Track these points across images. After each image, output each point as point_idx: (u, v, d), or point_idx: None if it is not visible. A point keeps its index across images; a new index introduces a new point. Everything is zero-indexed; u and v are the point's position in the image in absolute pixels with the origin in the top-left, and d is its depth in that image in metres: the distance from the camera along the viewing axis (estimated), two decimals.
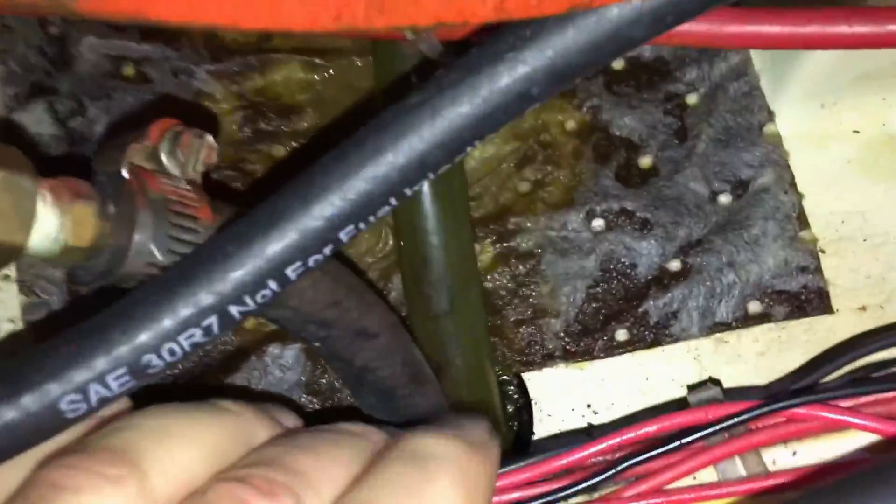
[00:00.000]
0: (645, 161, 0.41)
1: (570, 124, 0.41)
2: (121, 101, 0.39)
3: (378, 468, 0.24)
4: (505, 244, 0.40)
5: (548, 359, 0.39)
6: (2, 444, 0.21)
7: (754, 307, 0.39)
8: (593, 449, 0.31)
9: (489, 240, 0.40)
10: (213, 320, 0.22)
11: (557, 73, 0.21)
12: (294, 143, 0.41)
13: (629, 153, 0.41)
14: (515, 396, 0.40)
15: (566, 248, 0.40)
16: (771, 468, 0.34)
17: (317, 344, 0.30)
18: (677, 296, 0.39)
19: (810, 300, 0.39)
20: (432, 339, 0.36)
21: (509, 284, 0.40)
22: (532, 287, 0.40)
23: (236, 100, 0.41)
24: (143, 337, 0.21)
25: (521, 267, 0.40)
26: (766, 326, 0.39)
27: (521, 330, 0.39)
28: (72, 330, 0.22)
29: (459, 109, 0.21)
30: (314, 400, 0.38)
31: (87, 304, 0.37)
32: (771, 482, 0.31)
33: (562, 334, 0.39)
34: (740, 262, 0.39)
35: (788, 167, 0.40)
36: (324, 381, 0.38)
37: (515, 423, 0.40)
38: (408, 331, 0.35)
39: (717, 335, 0.39)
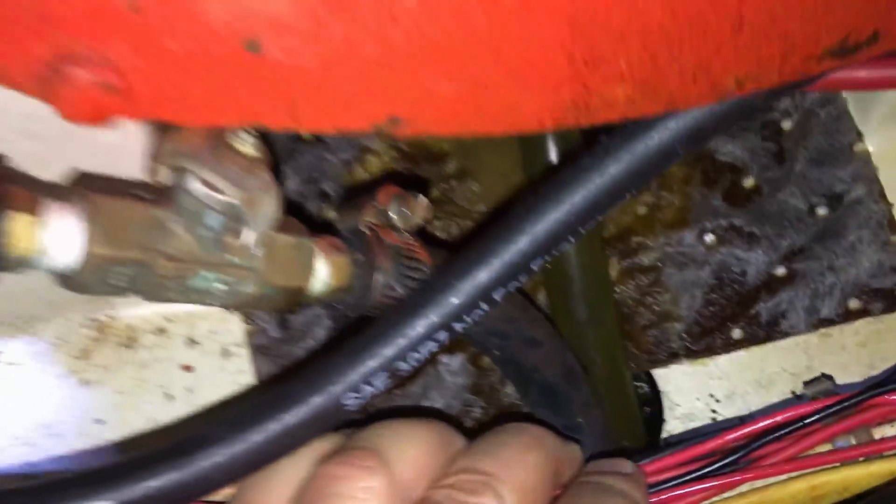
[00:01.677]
0: (748, 182, 0.47)
1: None
2: (303, 160, 0.48)
3: (573, 492, 0.32)
4: (629, 260, 0.47)
5: (673, 357, 0.46)
6: (302, 433, 0.29)
7: (854, 304, 0.45)
8: (735, 434, 0.37)
9: (615, 257, 0.47)
10: (442, 334, 0.30)
11: (695, 137, 0.28)
12: (444, 186, 0.49)
13: (734, 176, 0.47)
14: (646, 390, 0.47)
15: (683, 261, 0.47)
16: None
17: (496, 352, 0.37)
18: (784, 297, 0.45)
19: None
20: (576, 344, 0.44)
21: (635, 294, 0.47)
22: (655, 296, 0.46)
23: (395, 151, 0.49)
24: (396, 348, 0.29)
25: (644, 279, 0.47)
26: (865, 321, 0.45)
27: (648, 333, 0.46)
28: (340, 346, 0.30)
29: (622, 168, 0.28)
30: (478, 399, 0.46)
31: (298, 330, 0.45)
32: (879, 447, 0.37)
33: (684, 335, 0.46)
34: (839, 266, 0.45)
35: (878, 180, 0.46)
36: (485, 382, 0.46)
37: (647, 412, 0.46)
38: None
39: (822, 330, 0.45)
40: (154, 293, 0.27)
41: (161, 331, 0.44)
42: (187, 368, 0.44)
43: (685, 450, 0.36)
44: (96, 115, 0.20)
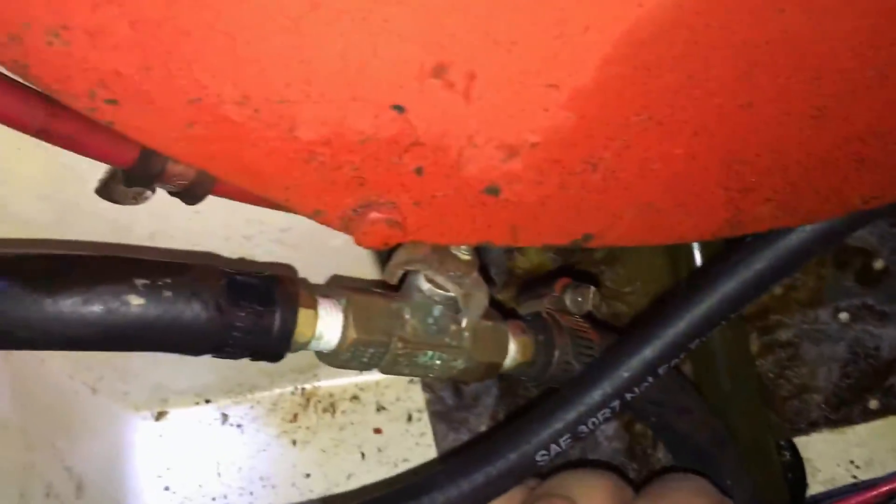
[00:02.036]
0: (878, 264, 0.51)
1: None
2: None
3: None
4: (768, 336, 0.52)
5: (813, 426, 0.50)
6: (501, 484, 0.35)
7: None
8: (876, 492, 0.41)
9: (755, 333, 0.52)
10: (616, 403, 0.36)
11: (828, 240, 0.33)
12: (595, 270, 0.55)
13: (864, 259, 0.52)
14: (789, 457, 0.51)
15: (819, 337, 0.51)
16: None
17: (652, 419, 0.43)
18: None
19: None
20: (720, 414, 0.48)
21: (775, 368, 0.51)
22: (794, 369, 0.51)
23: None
24: (578, 414, 0.35)
25: (783, 353, 0.51)
26: None
27: (788, 403, 0.51)
28: (530, 412, 0.36)
29: (767, 265, 0.34)
30: (632, 462, 0.51)
31: (470, 398, 0.52)
32: None
33: (823, 405, 0.50)
34: None
35: None
36: (637, 447, 0.51)
37: (791, 478, 0.50)
38: None
39: None
40: (389, 368, 0.34)
41: (355, 398, 0.52)
42: (377, 431, 0.51)
43: None
44: (381, 242, 0.27)
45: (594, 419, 0.36)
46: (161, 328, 0.28)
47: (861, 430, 0.49)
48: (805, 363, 0.51)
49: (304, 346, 0.32)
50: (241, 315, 0.29)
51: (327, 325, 0.32)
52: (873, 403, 0.49)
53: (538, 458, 0.35)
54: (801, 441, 0.50)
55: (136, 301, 0.28)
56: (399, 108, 0.24)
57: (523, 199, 0.27)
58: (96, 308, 0.27)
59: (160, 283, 0.28)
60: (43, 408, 0.41)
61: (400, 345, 0.34)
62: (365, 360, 0.33)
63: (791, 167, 0.28)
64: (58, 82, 0.22)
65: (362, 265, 0.44)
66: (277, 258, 0.40)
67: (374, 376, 0.52)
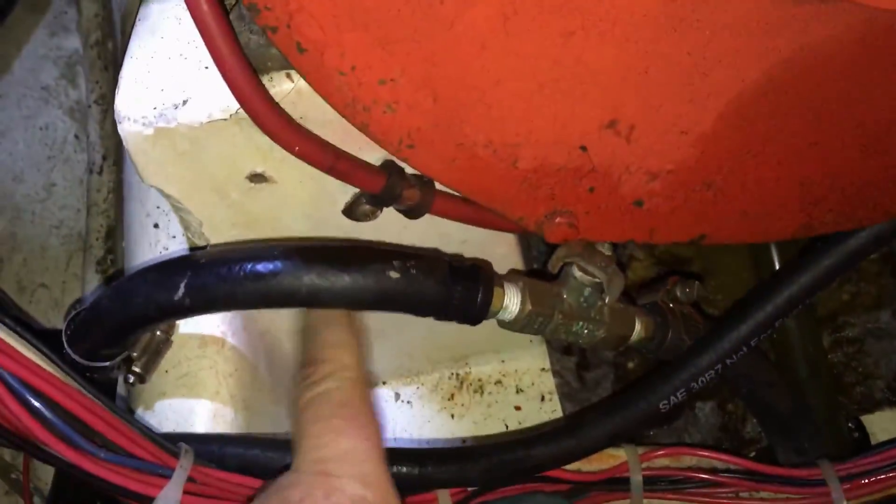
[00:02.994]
0: None
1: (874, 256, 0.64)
2: None
3: None
4: (837, 334, 0.63)
5: (877, 405, 0.61)
6: (635, 427, 0.48)
7: None
8: None
9: (826, 332, 0.63)
10: (719, 366, 0.48)
11: (882, 241, 0.45)
12: None
13: None
14: (857, 434, 0.62)
15: (881, 334, 0.62)
16: None
17: (744, 390, 0.55)
18: None
19: None
20: (798, 395, 0.60)
21: (843, 360, 0.62)
22: (859, 360, 0.62)
23: (652, 258, 0.68)
24: (691, 372, 0.48)
25: (850, 348, 0.63)
26: None
27: (855, 388, 0.62)
28: (653, 375, 0.49)
29: (834, 260, 0.46)
30: (725, 435, 0.62)
31: (591, 382, 0.64)
32: None
33: (884, 389, 0.61)
34: None
35: None
36: (730, 423, 0.62)
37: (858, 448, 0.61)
38: None
39: None
40: (550, 333, 0.47)
41: (498, 382, 0.65)
42: (518, 408, 0.64)
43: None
44: (562, 238, 0.41)
45: (702, 378, 0.48)
46: (408, 295, 0.42)
47: None
48: (869, 355, 0.62)
49: (494, 314, 0.45)
50: (458, 289, 0.43)
51: (511, 300, 0.45)
52: None
53: (661, 406, 0.48)
54: (866, 419, 0.61)
55: (394, 275, 0.41)
56: (584, 148, 0.37)
57: (659, 210, 0.40)
58: (370, 280, 0.41)
59: (409, 263, 0.42)
60: (283, 372, 0.55)
61: (560, 317, 0.46)
62: (535, 326, 0.46)
63: (847, 186, 0.40)
64: (382, 135, 0.36)
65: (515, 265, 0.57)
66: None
67: (514, 365, 0.65)
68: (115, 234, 0.69)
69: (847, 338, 0.63)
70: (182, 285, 0.40)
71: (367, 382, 0.40)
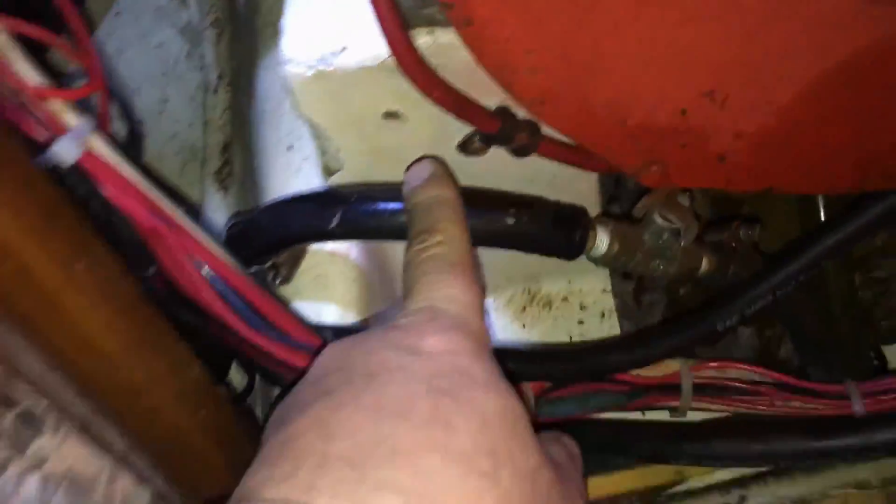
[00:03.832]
0: None
1: None
2: None
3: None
4: (868, 275, 0.71)
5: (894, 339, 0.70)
6: (683, 347, 0.57)
7: None
8: None
9: (859, 271, 0.72)
10: (770, 297, 0.56)
11: None
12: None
13: None
14: (877, 361, 0.71)
15: None
16: None
17: (786, 317, 0.63)
18: None
19: None
20: (830, 327, 0.69)
21: (871, 297, 0.71)
22: (888, 298, 0.70)
23: (707, 197, 0.76)
24: (746, 300, 0.56)
25: (879, 288, 0.71)
26: None
27: (880, 322, 0.70)
28: (715, 298, 0.58)
29: (879, 211, 0.54)
30: (762, 357, 0.71)
31: (646, 305, 0.73)
32: None
33: None
34: None
35: None
36: (765, 346, 0.72)
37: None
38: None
39: None
40: (633, 268, 0.56)
41: (565, 300, 0.74)
42: (581, 323, 0.73)
43: None
44: (656, 183, 0.49)
45: (755, 306, 0.57)
46: (520, 237, 0.50)
47: None
48: (894, 295, 0.70)
49: (587, 252, 0.54)
50: (562, 233, 0.51)
51: (602, 241, 0.53)
52: None
53: (719, 327, 0.57)
54: (887, 349, 0.70)
55: (510, 220, 0.50)
56: (684, 112, 0.45)
57: (738, 164, 0.49)
58: (491, 222, 0.50)
59: (522, 210, 0.50)
60: (390, 285, 0.64)
61: (640, 255, 0.55)
62: (620, 262, 0.55)
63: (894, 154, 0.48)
64: (522, 93, 0.44)
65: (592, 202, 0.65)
66: (547, 193, 0.62)
67: (579, 285, 0.74)
68: (231, 148, 0.78)
69: (876, 278, 0.71)
70: (336, 217, 0.49)
71: (476, 263, 0.42)
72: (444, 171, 0.47)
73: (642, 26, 0.41)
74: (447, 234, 0.41)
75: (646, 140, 0.47)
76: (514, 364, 0.57)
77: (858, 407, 0.58)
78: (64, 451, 0.31)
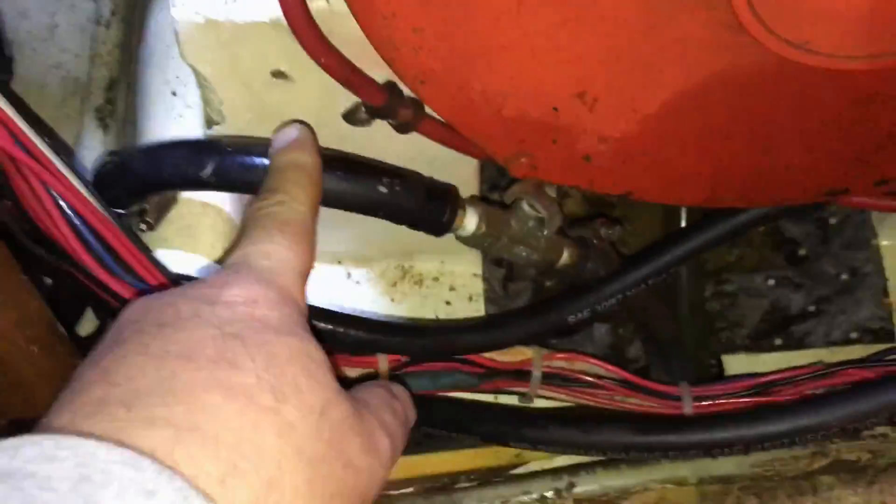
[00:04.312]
0: (802, 251, 0.76)
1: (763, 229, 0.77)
2: None
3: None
4: (718, 287, 0.76)
5: (736, 349, 0.75)
6: (543, 331, 0.59)
7: (853, 335, 0.73)
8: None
9: (710, 283, 0.76)
10: (621, 295, 0.60)
11: (762, 221, 0.57)
12: None
13: (793, 246, 0.76)
14: (715, 369, 0.76)
15: (752, 293, 0.76)
16: None
17: (635, 316, 0.67)
18: (811, 325, 0.74)
19: None
20: (677, 328, 0.73)
21: (718, 308, 0.76)
22: (732, 311, 0.75)
23: (584, 198, 0.79)
24: (598, 296, 0.60)
25: (726, 300, 0.76)
26: (859, 346, 0.73)
27: (722, 333, 0.75)
28: (568, 291, 0.61)
29: (723, 230, 0.58)
30: (613, 352, 0.75)
31: (513, 292, 0.76)
32: None
33: (745, 338, 0.75)
34: (848, 311, 0.73)
35: (881, 263, 0.74)
36: (617, 343, 0.76)
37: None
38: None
39: (832, 348, 0.73)
40: (496, 251, 0.58)
41: (435, 279, 0.76)
42: (448, 303, 0.75)
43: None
44: (523, 174, 0.51)
45: (605, 303, 0.60)
46: (390, 206, 0.52)
47: (767, 358, 0.74)
48: (739, 309, 0.75)
49: (455, 230, 0.55)
50: (430, 207, 0.53)
51: (470, 221, 0.55)
52: (778, 341, 0.74)
53: (569, 318, 0.60)
54: (725, 358, 0.75)
55: (382, 189, 0.51)
56: (555, 109, 0.48)
57: (602, 166, 0.51)
58: (363, 189, 0.51)
59: (395, 181, 0.51)
60: None
61: (505, 239, 0.57)
62: (485, 245, 0.57)
63: (745, 174, 0.52)
64: (404, 70, 0.45)
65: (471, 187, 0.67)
66: (428, 173, 0.63)
67: (451, 267, 0.76)
68: (117, 86, 0.76)
69: (725, 291, 0.76)
70: (209, 165, 0.49)
71: (313, 228, 0.42)
72: (308, 136, 0.47)
73: (522, 23, 0.42)
74: (290, 195, 0.41)
75: (518, 132, 0.49)
76: (374, 335, 0.58)
77: (688, 408, 0.62)
78: None
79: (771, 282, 0.75)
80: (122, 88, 0.74)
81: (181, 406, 0.27)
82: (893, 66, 0.39)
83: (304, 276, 0.39)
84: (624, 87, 0.46)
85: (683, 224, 0.69)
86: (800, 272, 0.75)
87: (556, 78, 0.46)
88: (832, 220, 0.76)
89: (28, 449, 0.24)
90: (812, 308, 0.74)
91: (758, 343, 0.75)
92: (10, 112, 0.43)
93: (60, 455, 0.24)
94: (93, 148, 0.73)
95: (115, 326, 0.34)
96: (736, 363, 0.75)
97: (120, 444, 0.25)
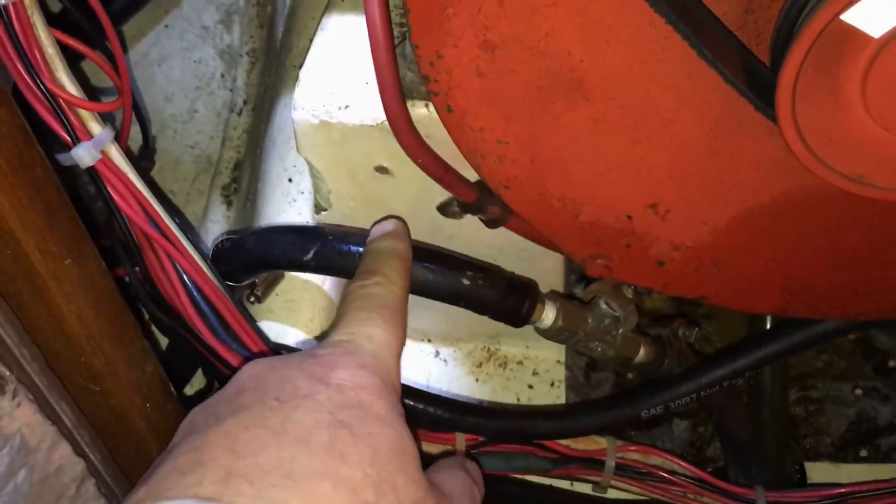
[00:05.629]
0: (892, 363, 0.75)
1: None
2: None
3: None
4: (804, 392, 0.76)
5: (819, 457, 0.74)
6: (610, 426, 0.62)
7: None
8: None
9: (795, 388, 0.76)
10: (694, 395, 0.61)
11: (841, 333, 0.58)
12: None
13: (882, 357, 0.75)
14: (798, 476, 0.75)
15: (838, 401, 0.75)
16: None
17: (715, 415, 0.68)
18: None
19: None
20: (759, 431, 0.73)
21: (803, 414, 0.76)
22: (816, 418, 0.75)
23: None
24: (672, 394, 0.61)
25: (811, 407, 0.76)
26: None
27: (806, 439, 0.75)
28: (643, 388, 0.63)
29: (797, 341, 0.59)
30: (691, 449, 0.76)
31: (594, 381, 0.78)
32: None
33: (829, 446, 0.74)
34: None
35: None
36: (696, 440, 0.76)
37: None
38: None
39: None
40: (573, 345, 0.61)
41: (520, 363, 0.79)
42: (530, 387, 0.78)
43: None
44: (599, 274, 0.54)
45: (679, 401, 0.62)
46: (473, 298, 0.56)
47: (851, 468, 0.73)
48: (824, 415, 0.75)
49: (533, 322, 0.59)
50: (510, 300, 0.57)
51: (548, 315, 0.59)
52: (863, 452, 0.73)
53: (642, 413, 0.61)
54: (809, 465, 0.74)
55: (465, 282, 0.55)
56: (629, 217, 0.51)
57: (675, 271, 0.54)
58: (448, 281, 0.55)
59: (478, 275, 0.56)
60: None
61: (582, 334, 0.60)
62: (562, 338, 0.60)
63: (817, 287, 0.53)
64: (489, 176, 0.50)
65: (557, 279, 0.71)
66: (516, 263, 0.67)
67: (536, 352, 0.79)
68: (242, 167, 0.84)
69: (811, 397, 0.76)
70: (312, 251, 0.54)
71: (406, 310, 0.45)
72: (402, 229, 0.52)
73: (598, 139, 0.46)
74: (387, 277, 0.45)
75: (594, 235, 0.52)
76: (454, 414, 0.62)
77: None
78: (17, 414, 0.36)
79: (858, 391, 0.75)
80: (246, 169, 0.82)
81: (299, 493, 0.31)
82: None
83: (400, 356, 0.42)
84: (693, 201, 0.49)
85: (768, 327, 0.70)
86: (889, 384, 0.74)
87: (630, 189, 0.49)
88: None
89: None
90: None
91: (842, 453, 0.74)
92: (149, 196, 0.51)
93: None
94: (217, 221, 0.81)
95: (233, 387, 0.38)
96: (819, 471, 0.74)
97: None
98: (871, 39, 0.35)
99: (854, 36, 0.35)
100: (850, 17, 0.34)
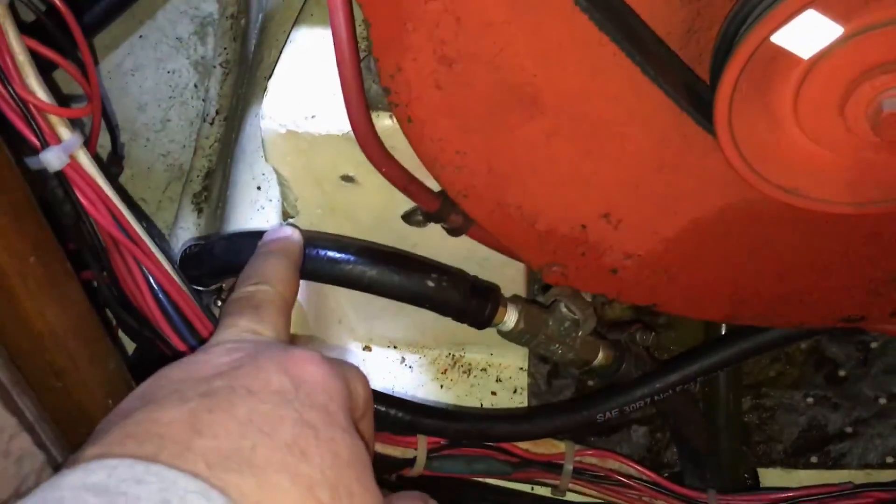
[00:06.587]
0: (842, 372, 0.77)
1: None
2: None
3: None
4: (757, 400, 0.78)
5: (772, 463, 0.76)
6: (566, 429, 0.63)
7: (889, 460, 0.73)
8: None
9: (749, 395, 0.78)
10: (649, 399, 0.63)
11: (791, 340, 0.60)
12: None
13: (833, 367, 0.78)
14: (751, 481, 0.77)
15: (790, 409, 0.77)
16: None
17: (671, 421, 0.70)
18: (847, 446, 0.75)
19: None
20: (714, 437, 0.75)
21: (756, 421, 0.78)
22: (769, 425, 0.77)
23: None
24: (627, 398, 0.63)
25: (764, 414, 0.78)
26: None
27: (759, 446, 0.77)
28: (600, 391, 0.64)
29: (746, 348, 0.61)
30: (649, 455, 0.78)
31: (556, 388, 0.80)
32: None
33: (781, 452, 0.76)
34: (885, 435, 0.74)
35: None
36: (654, 446, 0.78)
37: None
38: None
39: (866, 471, 0.74)
40: (533, 348, 0.63)
41: (483, 370, 0.81)
42: (493, 393, 0.80)
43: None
44: (555, 281, 0.56)
45: (634, 405, 0.64)
46: (437, 300, 0.58)
47: (802, 474, 0.75)
48: (777, 423, 0.77)
49: (495, 325, 0.61)
50: (473, 303, 0.59)
51: (510, 318, 0.61)
52: (814, 459, 0.75)
53: (598, 417, 0.63)
54: (761, 471, 0.76)
55: (430, 284, 0.57)
56: (583, 226, 0.53)
57: (627, 279, 0.56)
58: (413, 283, 0.57)
59: (443, 277, 0.57)
60: (323, 324, 0.71)
61: (543, 337, 0.62)
62: (523, 341, 0.62)
63: (764, 296, 0.56)
64: (448, 185, 0.52)
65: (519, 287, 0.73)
66: (479, 272, 0.69)
67: (499, 359, 0.81)
68: (213, 175, 0.85)
69: (764, 405, 0.78)
70: None
71: (287, 309, 0.47)
72: (295, 240, 0.54)
73: (552, 151, 0.49)
74: (265, 280, 0.47)
75: (550, 243, 0.54)
76: (416, 417, 0.63)
77: None
78: None
79: (810, 400, 0.77)
80: (217, 178, 0.83)
81: (254, 480, 0.32)
82: (883, 212, 0.43)
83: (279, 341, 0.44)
84: (644, 212, 0.51)
85: (723, 333, 0.73)
86: (839, 393, 0.76)
87: (584, 200, 0.51)
88: (873, 345, 0.78)
89: (123, 470, 0.30)
90: (849, 429, 0.75)
91: (794, 459, 0.76)
92: (117, 201, 0.52)
93: (148, 479, 0.29)
94: (187, 228, 0.82)
95: (205, 368, 0.37)
96: (772, 477, 0.76)
97: (196, 476, 0.30)
98: (801, 60, 0.37)
99: (785, 56, 0.37)
100: (779, 38, 0.36)
